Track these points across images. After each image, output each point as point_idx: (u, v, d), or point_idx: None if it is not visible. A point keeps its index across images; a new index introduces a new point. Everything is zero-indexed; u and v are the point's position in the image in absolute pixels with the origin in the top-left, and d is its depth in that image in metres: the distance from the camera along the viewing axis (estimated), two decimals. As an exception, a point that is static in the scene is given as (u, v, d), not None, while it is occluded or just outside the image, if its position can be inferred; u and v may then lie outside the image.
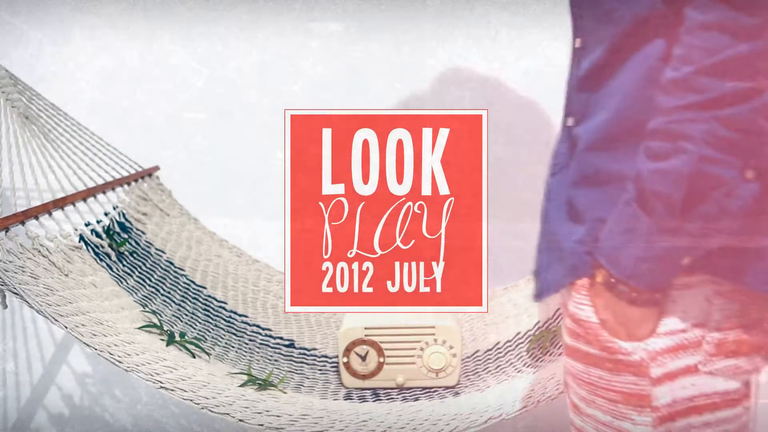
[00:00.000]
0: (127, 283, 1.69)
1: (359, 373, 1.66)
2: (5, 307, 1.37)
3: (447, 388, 1.66)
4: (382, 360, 1.67)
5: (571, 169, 1.03)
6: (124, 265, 1.72)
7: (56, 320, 1.32)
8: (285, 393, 1.58)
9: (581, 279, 0.99)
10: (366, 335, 1.67)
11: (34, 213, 1.47)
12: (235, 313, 1.89)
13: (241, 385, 1.52)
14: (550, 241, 1.06)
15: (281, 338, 1.87)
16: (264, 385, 1.55)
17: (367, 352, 1.66)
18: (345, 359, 1.66)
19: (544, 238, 1.08)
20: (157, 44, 2.16)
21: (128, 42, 2.16)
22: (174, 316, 1.72)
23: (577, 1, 1.06)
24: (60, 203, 1.58)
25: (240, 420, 1.38)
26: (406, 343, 1.67)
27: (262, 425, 1.39)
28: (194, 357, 1.56)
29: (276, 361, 1.78)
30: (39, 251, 1.43)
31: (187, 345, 1.58)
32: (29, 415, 2.28)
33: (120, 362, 1.36)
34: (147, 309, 1.65)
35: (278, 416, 1.40)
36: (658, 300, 0.95)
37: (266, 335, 1.87)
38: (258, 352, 1.78)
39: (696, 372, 0.96)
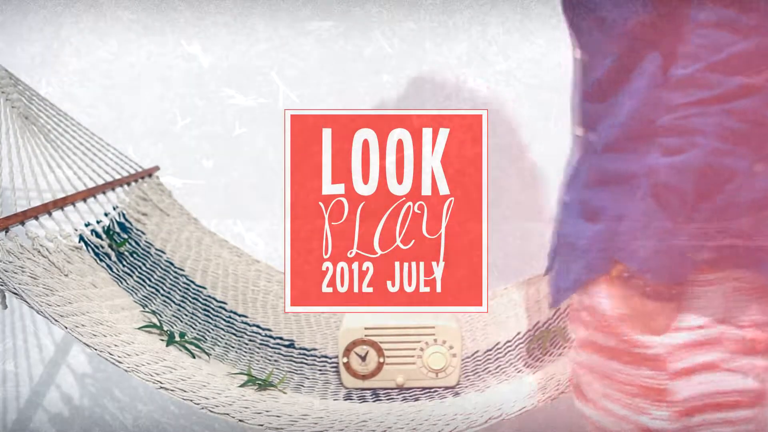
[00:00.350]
0: (127, 284, 1.69)
1: (359, 374, 1.66)
2: (5, 307, 1.37)
3: (447, 388, 1.66)
4: (381, 360, 1.66)
5: (584, 173, 1.04)
6: (124, 266, 1.72)
7: (56, 321, 1.31)
8: (285, 393, 1.58)
9: (599, 275, 1.00)
10: (366, 335, 1.66)
11: (33, 213, 1.46)
12: (235, 313, 1.89)
13: (241, 386, 1.52)
14: (564, 246, 1.07)
15: (281, 338, 1.87)
16: (264, 385, 1.55)
17: (366, 353, 1.65)
18: (345, 359, 1.65)
19: (558, 243, 1.08)
20: (156, 46, 2.16)
21: (126, 43, 2.16)
22: (174, 316, 1.72)
23: (573, 13, 1.06)
24: (60, 203, 1.58)
25: (240, 420, 1.38)
26: (405, 344, 1.66)
27: (262, 425, 1.39)
28: (194, 357, 1.56)
29: (276, 361, 1.78)
30: (39, 251, 1.43)
31: (187, 345, 1.58)
32: (28, 415, 2.28)
33: (120, 363, 1.36)
34: (147, 309, 1.65)
35: (278, 416, 1.40)
36: (675, 294, 0.96)
37: (266, 335, 1.87)
38: (258, 353, 1.78)
39: (715, 368, 0.97)
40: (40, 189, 1.69)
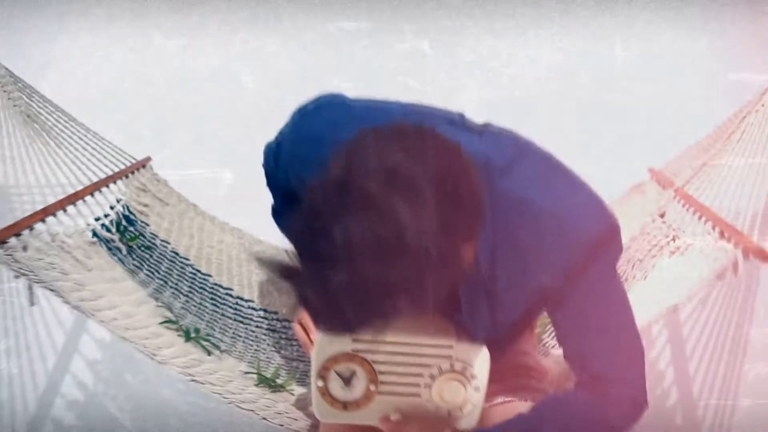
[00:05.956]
0: (139, 277, 1.68)
1: (339, 401, 1.18)
2: (32, 304, 1.36)
3: None
4: (372, 387, 1.17)
5: None
6: (133, 259, 1.70)
7: (93, 315, 1.32)
8: (293, 395, 1.59)
9: None
10: (354, 350, 1.16)
11: (53, 210, 1.46)
12: (241, 299, 1.88)
13: (256, 384, 1.55)
14: None
15: (287, 321, 1.88)
16: (274, 386, 1.57)
17: (353, 374, 1.17)
18: (320, 382, 1.17)
19: None
20: (166, 45, 2.16)
21: (131, 43, 2.16)
22: (183, 308, 1.71)
23: None
24: (73, 199, 1.57)
25: (263, 418, 1.38)
26: (409, 366, 1.17)
27: (282, 426, 1.40)
28: (209, 354, 1.58)
29: (282, 348, 1.79)
30: (62, 248, 1.42)
31: (202, 342, 1.60)
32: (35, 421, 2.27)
33: (154, 355, 1.37)
34: (159, 303, 1.65)
35: (296, 419, 1.42)
36: None
37: (273, 319, 1.87)
38: (264, 340, 1.78)
39: None
40: (41, 185, 1.68)
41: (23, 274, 1.28)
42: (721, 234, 1.51)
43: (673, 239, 1.67)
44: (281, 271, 0.88)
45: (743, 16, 2.00)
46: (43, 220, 1.43)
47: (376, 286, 0.83)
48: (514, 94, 2.15)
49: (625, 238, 1.75)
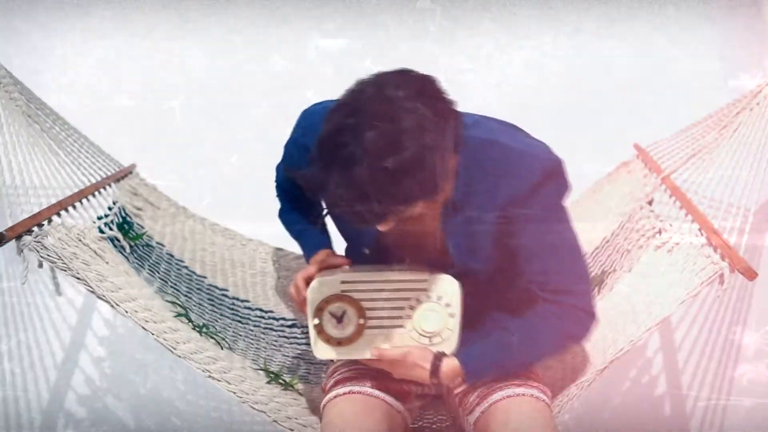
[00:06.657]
0: (143, 276, 1.68)
1: (334, 339, 1.34)
2: (59, 294, 1.37)
3: None
4: (362, 321, 1.33)
5: None
6: (135, 258, 1.70)
7: (118, 305, 1.33)
8: (302, 395, 1.60)
9: None
10: (343, 290, 1.33)
11: (66, 204, 1.46)
12: (237, 299, 1.89)
13: (268, 382, 1.56)
14: None
15: (284, 319, 1.89)
16: (284, 384, 1.58)
17: (344, 312, 1.33)
18: (316, 320, 1.33)
19: None
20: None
21: (131, 50, 2.19)
22: (184, 307, 1.72)
23: None
24: (80, 196, 1.57)
25: (274, 420, 1.41)
26: (392, 301, 1.34)
27: (292, 430, 1.42)
28: (222, 349, 1.59)
29: (281, 346, 1.79)
30: (80, 239, 1.42)
31: (215, 336, 1.60)
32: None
33: (174, 349, 1.38)
34: (166, 299, 1.65)
35: (304, 426, 1.44)
36: None
37: (270, 318, 1.88)
38: (263, 338, 1.79)
39: None
40: (37, 187, 1.65)
41: (51, 262, 1.29)
42: (708, 241, 1.49)
43: (660, 232, 1.67)
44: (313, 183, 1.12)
45: (743, 17, 2.08)
46: (58, 214, 1.43)
47: (391, 175, 1.06)
48: (514, 94, 2.21)
49: (615, 224, 1.85)
